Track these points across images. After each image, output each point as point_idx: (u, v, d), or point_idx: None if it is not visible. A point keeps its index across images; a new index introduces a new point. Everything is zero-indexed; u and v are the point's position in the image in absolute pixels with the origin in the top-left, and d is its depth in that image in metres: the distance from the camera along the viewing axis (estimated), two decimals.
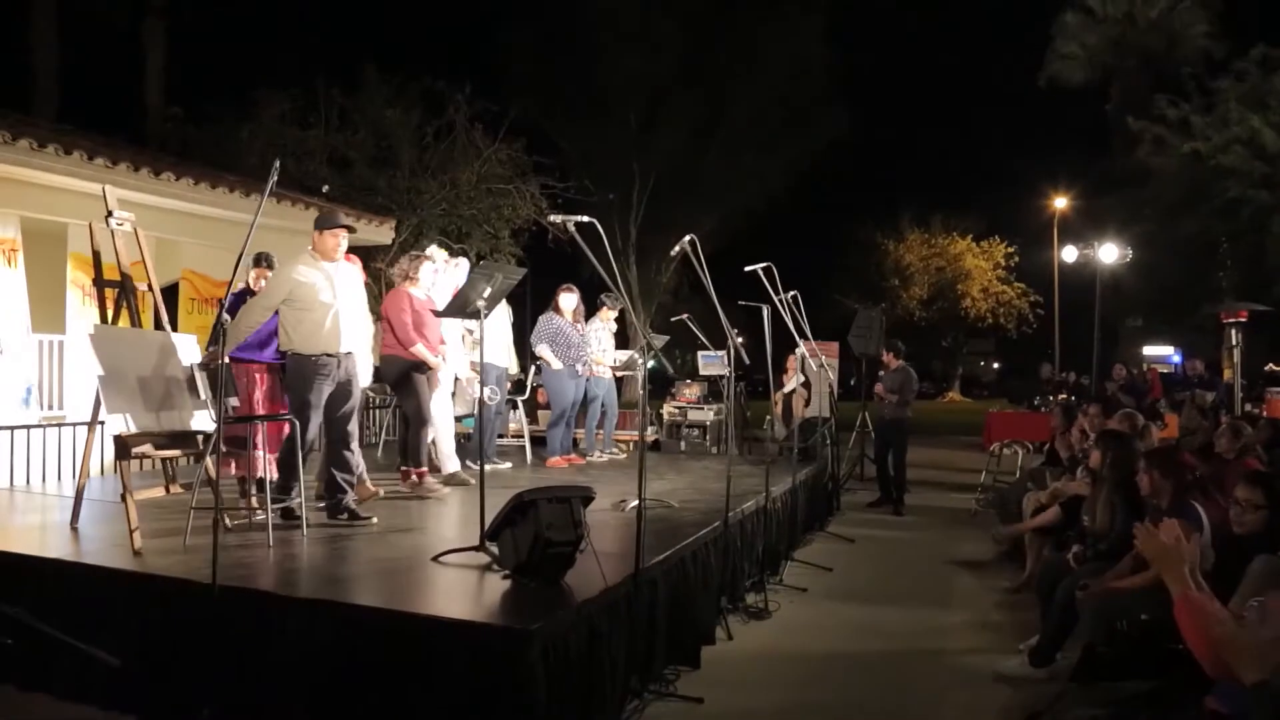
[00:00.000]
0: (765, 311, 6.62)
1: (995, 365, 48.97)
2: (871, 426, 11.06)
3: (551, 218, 4.76)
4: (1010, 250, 38.12)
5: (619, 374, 8.93)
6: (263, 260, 6.41)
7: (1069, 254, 19.08)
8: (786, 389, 11.25)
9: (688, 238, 5.54)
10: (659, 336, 7.99)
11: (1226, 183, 17.42)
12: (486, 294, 4.85)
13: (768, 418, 7.57)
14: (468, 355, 7.81)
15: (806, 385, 10.44)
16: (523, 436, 8.66)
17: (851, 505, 10.25)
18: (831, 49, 28.84)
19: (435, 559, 4.63)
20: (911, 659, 5.25)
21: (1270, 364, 25.87)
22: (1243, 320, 11.33)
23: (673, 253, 6.01)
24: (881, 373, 10.22)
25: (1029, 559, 6.49)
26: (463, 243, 18.27)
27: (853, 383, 13.74)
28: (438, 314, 5.61)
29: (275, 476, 5.59)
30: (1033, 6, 38.13)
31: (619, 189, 28.22)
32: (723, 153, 28.62)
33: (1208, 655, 2.47)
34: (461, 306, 4.97)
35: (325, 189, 11.11)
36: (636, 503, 4.58)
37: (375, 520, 5.56)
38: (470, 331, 7.76)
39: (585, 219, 4.52)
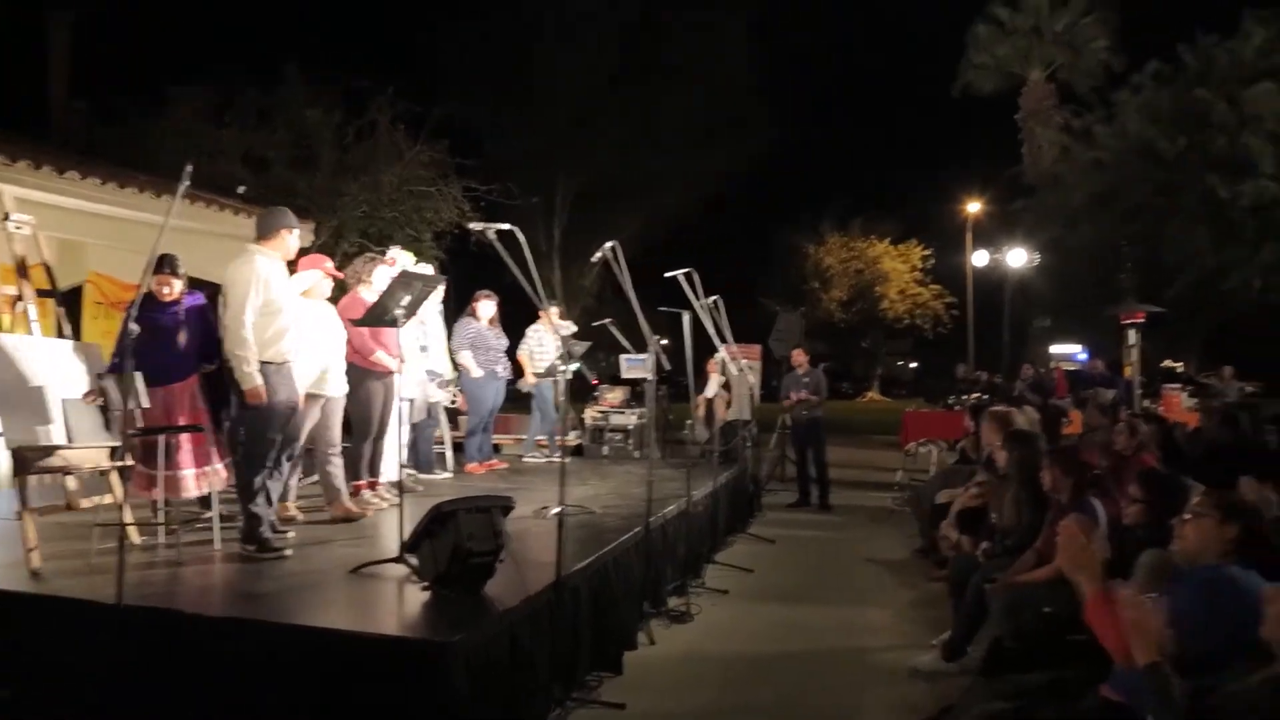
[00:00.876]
0: (685, 318, 6.68)
1: (913, 365, 50.09)
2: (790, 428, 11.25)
3: (471, 225, 4.71)
4: (927, 253, 39.10)
5: (542, 380, 8.91)
6: (165, 265, 5.86)
7: (981, 258, 19.70)
8: (709, 393, 11.35)
9: (609, 244, 5.57)
10: (580, 343, 8.01)
11: (1126, 190, 18.16)
12: (405, 302, 4.80)
13: (688, 421, 7.63)
14: (424, 363, 7.72)
15: (728, 388, 10.56)
16: (443, 443, 8.57)
17: (773, 506, 10.41)
18: (757, 57, 29.21)
19: (353, 572, 4.56)
20: (831, 657, 5.36)
21: (1168, 361, 27.04)
22: (1140, 321, 11.84)
23: (594, 258, 6.04)
24: (801, 374, 10.42)
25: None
26: (383, 246, 17.97)
27: (775, 384, 13.93)
28: (355, 322, 5.51)
29: (207, 490, 5.36)
30: (948, 17, 39.17)
31: (544, 192, 28.11)
32: (649, 157, 28.69)
33: (1121, 646, 2.55)
34: (379, 315, 4.90)
35: (241, 190, 10.85)
36: (558, 510, 4.58)
37: (289, 552, 5.00)
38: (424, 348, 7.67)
39: (505, 226, 4.51)
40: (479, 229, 4.44)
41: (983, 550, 5.07)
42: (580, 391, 16.35)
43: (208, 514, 5.29)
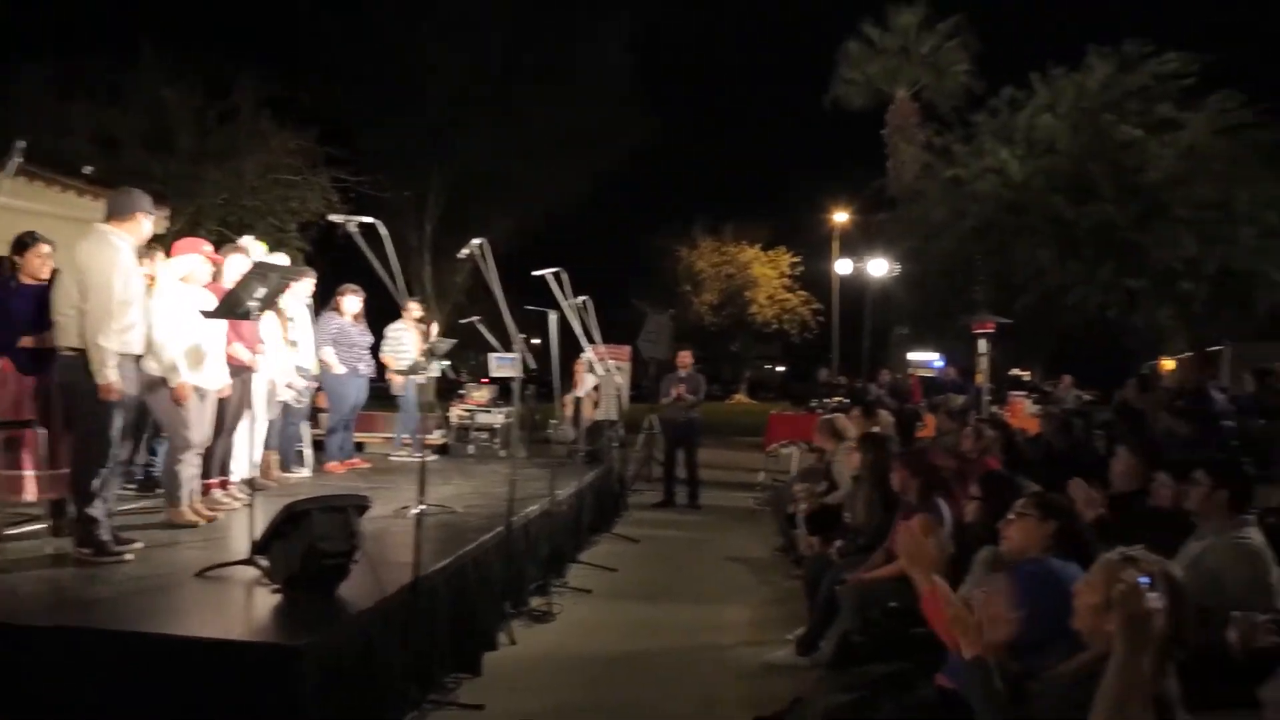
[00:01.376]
0: (552, 317, 6.67)
1: (780, 369, 51.37)
2: (660, 428, 11.40)
3: (332, 217, 4.58)
4: (795, 260, 40.18)
5: (406, 378, 8.73)
6: (29, 241, 5.17)
7: (845, 266, 20.44)
8: (578, 392, 11.37)
9: (476, 241, 5.52)
10: (445, 340, 7.89)
11: (980, 206, 19.10)
12: (260, 294, 4.62)
13: (552, 421, 7.63)
14: (292, 358, 7.42)
15: (598, 388, 10.60)
16: (301, 441, 8.30)
17: (639, 506, 10.51)
18: (635, 60, 29.43)
19: (200, 575, 4.36)
20: (690, 654, 5.45)
21: (1015, 370, 28.61)
22: (990, 331, 12.48)
23: (461, 254, 5.97)
24: (681, 374, 10.57)
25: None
26: (244, 235, 17.28)
27: (645, 385, 14.07)
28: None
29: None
30: (822, 33, 40.54)
31: (417, 186, 27.56)
32: (524, 155, 28.49)
33: (953, 637, 2.70)
34: (232, 307, 4.71)
35: (87, 170, 10.19)
36: (419, 509, 4.51)
37: (130, 556, 4.70)
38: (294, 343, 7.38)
39: (368, 219, 4.40)
40: (340, 221, 4.32)
41: (836, 549, 5.25)
42: (447, 390, 16.12)
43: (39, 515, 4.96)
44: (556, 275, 6.84)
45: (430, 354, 5.57)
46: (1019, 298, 18.57)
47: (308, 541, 3.76)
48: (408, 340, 8.62)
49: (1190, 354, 20.62)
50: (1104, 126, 18.55)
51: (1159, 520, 4.27)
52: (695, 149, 47.25)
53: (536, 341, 7.18)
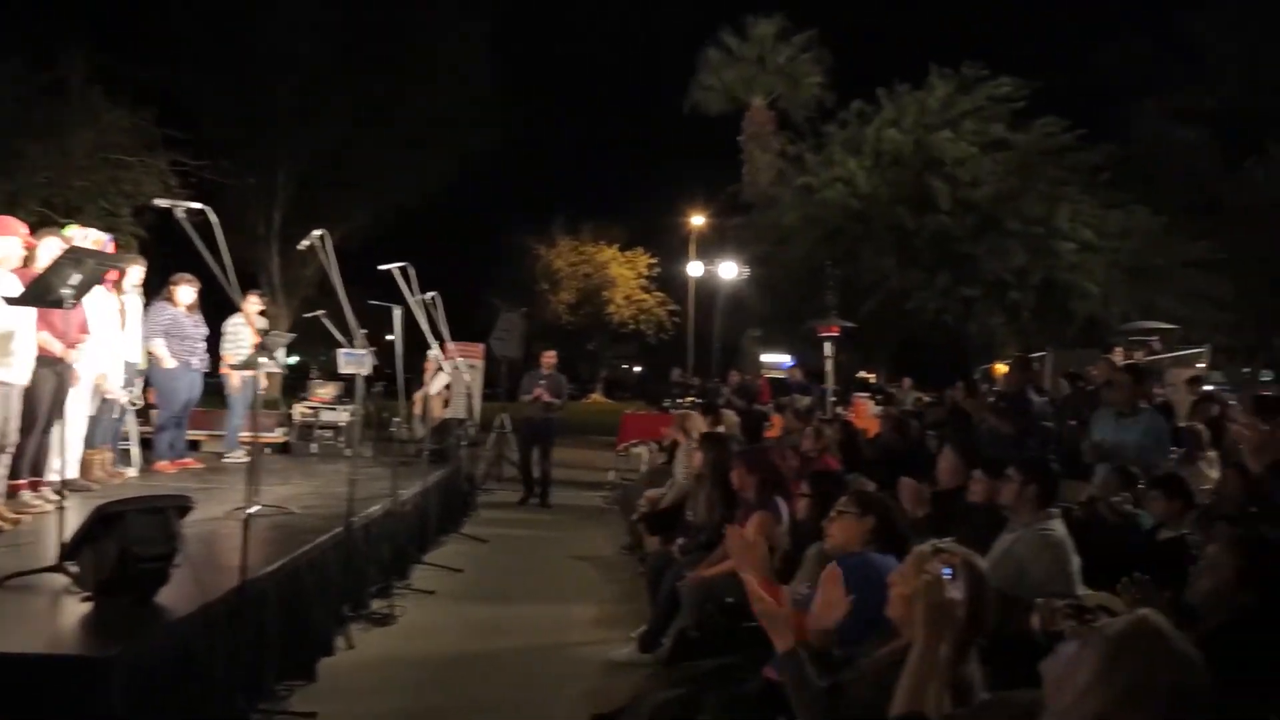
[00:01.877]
0: (396, 312, 6.51)
1: (637, 369, 51.83)
2: (511, 427, 11.34)
3: (157, 201, 4.32)
4: (652, 261, 40.58)
5: (243, 373, 8.35)
6: None
7: (696, 269, 20.86)
8: (430, 390, 11.15)
9: (317, 232, 5.34)
10: (282, 334, 7.58)
11: (829, 214, 19.84)
12: (74, 281, 4.31)
13: (396, 419, 7.47)
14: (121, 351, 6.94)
15: (449, 386, 10.43)
16: (128, 440, 7.83)
17: (490, 505, 10.41)
18: (496, 55, 29.06)
19: (1, 584, 4.04)
20: (533, 653, 5.43)
21: (862, 372, 29.79)
22: (835, 335, 12.95)
23: (301, 245, 5.77)
24: (543, 373, 10.53)
25: None
26: (71, 218, 16.15)
27: (501, 385, 13.93)
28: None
29: None
30: (683, 38, 41.12)
31: (264, 173, 26.40)
32: (380, 146, 27.72)
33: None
34: (41, 294, 4.38)
35: None
36: (252, 509, 4.32)
37: None
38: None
39: (196, 205, 4.17)
40: (166, 205, 4.08)
41: (678, 546, 5.33)
42: (291, 386, 15.54)
43: None
44: (403, 270, 6.68)
45: (264, 349, 5.32)
46: (864, 303, 19.37)
47: (121, 545, 3.53)
48: (246, 335, 8.23)
49: (1012, 359, 21.98)
50: (942, 143, 19.59)
51: (977, 515, 4.53)
52: (555, 147, 47.05)
53: (391, 338, 7.00)
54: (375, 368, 6.12)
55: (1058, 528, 3.96)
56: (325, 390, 10.39)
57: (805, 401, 12.85)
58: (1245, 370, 25.15)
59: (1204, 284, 19.24)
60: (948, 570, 2.18)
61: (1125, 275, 18.78)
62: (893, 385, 20.62)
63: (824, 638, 2.57)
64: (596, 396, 42.19)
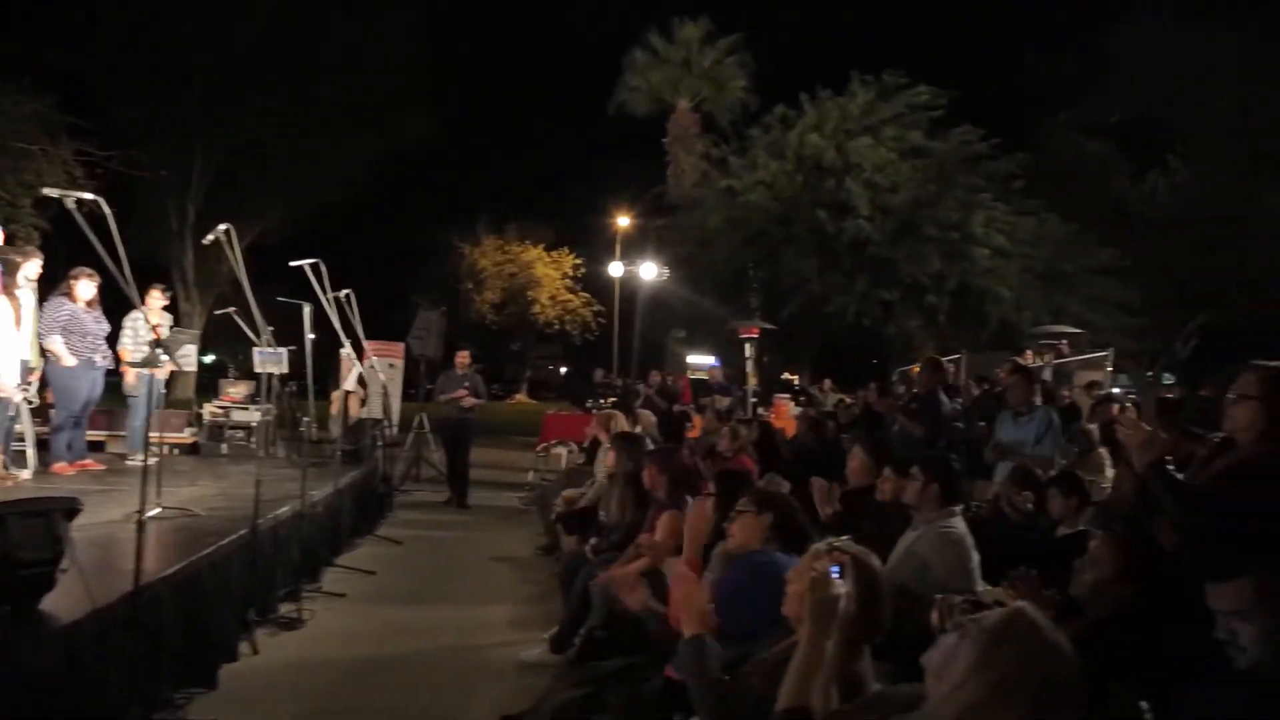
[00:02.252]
0: (306, 310, 6.38)
1: (563, 370, 51.67)
2: (430, 427, 11.22)
3: (47, 191, 4.14)
4: (578, 262, 40.44)
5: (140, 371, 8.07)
6: None
7: (619, 269, 20.88)
8: (347, 388, 10.94)
9: (222, 227, 5.21)
10: (185, 331, 7.35)
11: (752, 217, 20.05)
12: None
13: (306, 419, 7.30)
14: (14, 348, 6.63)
15: (364, 384, 10.25)
16: (24, 441, 7.50)
17: (409, 506, 10.26)
18: (422, 51, 28.62)
19: None
20: (444, 655, 5.37)
21: (786, 374, 30.16)
22: (754, 335, 13.09)
23: (206, 240, 5.62)
24: (459, 374, 10.42)
25: None
26: None
27: (421, 385, 13.75)
28: None
29: None
30: (610, 37, 41.12)
31: (179, 165, 25.57)
32: (301, 140, 27.08)
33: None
34: None
35: None
36: (153, 512, 4.18)
37: None
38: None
39: (89, 196, 4.02)
40: (55, 195, 3.92)
41: (590, 547, 5.32)
42: (206, 386, 15.11)
43: None
44: (314, 267, 6.55)
45: (162, 346, 5.14)
46: (786, 305, 19.63)
47: (2, 550, 3.38)
48: (145, 332, 7.95)
49: (923, 360, 22.49)
50: (863, 149, 19.97)
51: (884, 513, 4.61)
52: (481, 145, 46.57)
53: (313, 336, 6.86)
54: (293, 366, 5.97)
55: (959, 525, 4.05)
56: (237, 389, 10.12)
57: (726, 402, 12.97)
58: (1149, 374, 26.19)
59: (1111, 290, 19.95)
60: (835, 568, 2.21)
61: (1037, 280, 19.38)
62: (814, 386, 20.94)
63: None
64: (521, 397, 41.90)
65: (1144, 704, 2.27)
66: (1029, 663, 1.76)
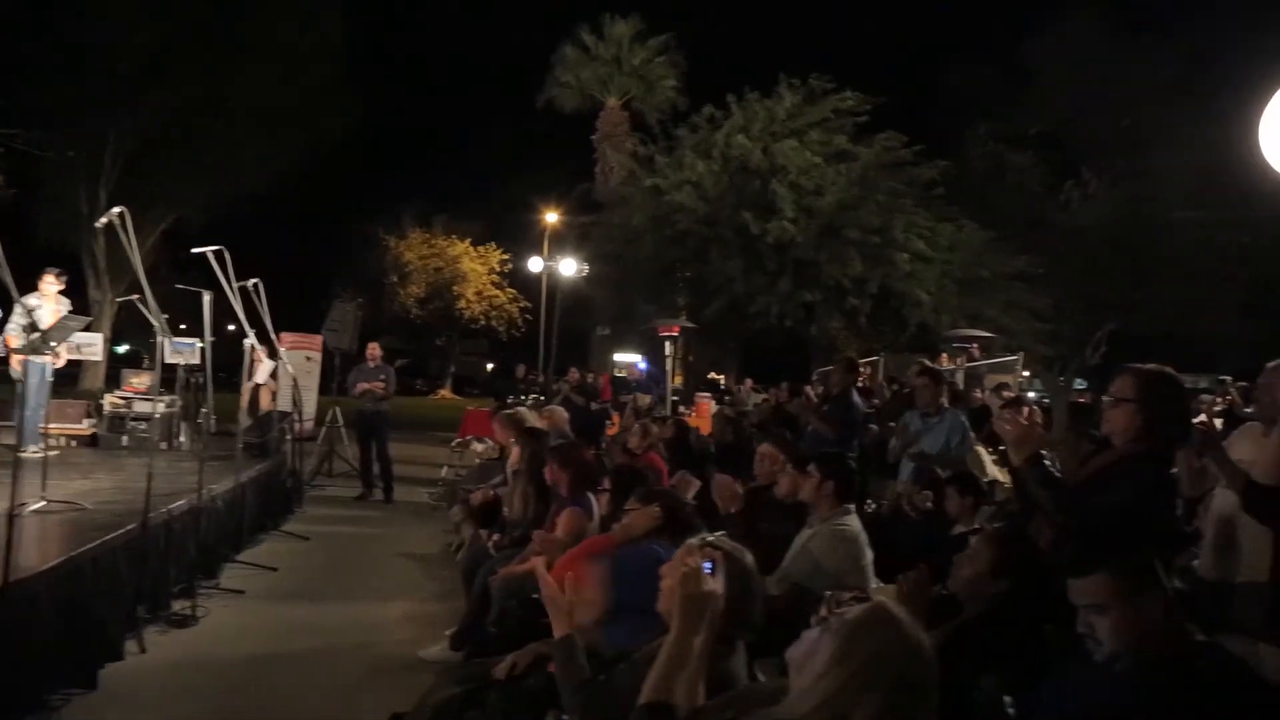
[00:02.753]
0: (206, 298, 6.19)
1: (489, 365, 51.26)
2: (343, 421, 11.02)
3: None
4: (505, 257, 40.13)
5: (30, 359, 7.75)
6: None
7: (541, 265, 20.79)
8: (258, 380, 10.66)
9: (116, 210, 5.03)
10: (76, 318, 7.07)
11: (678, 216, 20.07)
12: None
13: (203, 410, 7.09)
14: None
15: (276, 376, 9.99)
16: None
17: (320, 501, 10.06)
18: (348, 40, 28.11)
19: None
20: (341, 653, 5.25)
21: (713, 373, 30.34)
22: (675, 334, 13.12)
23: (99, 223, 5.42)
24: (371, 366, 10.26)
25: None
26: None
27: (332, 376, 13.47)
28: None
29: None
30: (541, 33, 40.97)
31: (89, 148, 24.64)
32: (221, 126, 26.31)
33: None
34: None
35: None
36: (37, 505, 4.01)
37: None
38: None
39: None
40: None
41: (493, 542, 5.26)
42: (116, 376, 14.60)
43: None
44: (218, 254, 6.35)
45: (49, 334, 4.93)
46: (710, 304, 19.72)
47: None
48: (38, 317, 7.64)
49: (837, 361, 22.84)
50: (788, 151, 20.17)
51: (784, 510, 4.65)
52: (408, 138, 46.02)
53: (232, 327, 6.65)
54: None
55: (852, 523, 4.10)
56: (140, 380, 9.79)
57: (646, 400, 12.98)
58: (1060, 379, 27.03)
59: (1025, 297, 20.48)
60: (708, 564, 2.20)
61: (955, 285, 19.78)
62: (738, 386, 21.12)
63: (587, 633, 2.56)
64: (445, 393, 41.45)
65: (1008, 699, 2.32)
66: (886, 657, 1.78)
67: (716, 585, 2.17)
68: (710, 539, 2.40)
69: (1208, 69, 24.27)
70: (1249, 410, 5.90)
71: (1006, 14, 37.55)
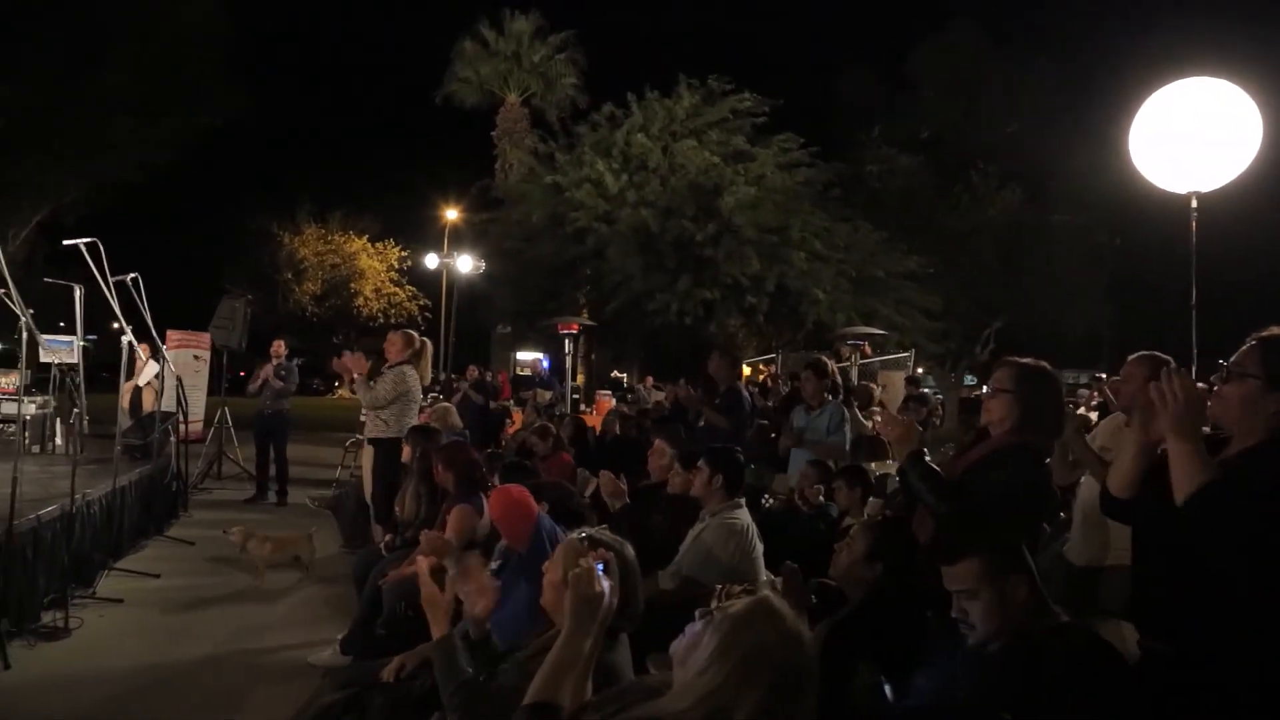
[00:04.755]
0: (77, 292, 5.90)
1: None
2: (231, 421, 10.68)
3: None
4: (404, 254, 39.43)
5: None
6: None
7: (432, 261, 20.51)
8: (140, 380, 10.23)
9: None
10: None
11: (577, 214, 20.05)
12: None
13: (75, 411, 6.77)
14: None
15: (160, 376, 9.61)
16: None
17: (208, 504, 9.70)
18: (237, 30, 27.08)
19: None
20: (226, 661, 5.08)
21: (615, 371, 30.41)
22: (575, 332, 13.11)
23: None
24: (274, 364, 9.98)
25: None
26: None
27: (236, 376, 13.02)
28: None
29: None
30: (439, 25, 40.34)
31: None
32: (92, 112, 25.02)
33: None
34: None
35: None
36: None
37: None
38: None
39: None
40: None
41: (384, 543, 5.16)
42: None
43: None
44: (91, 247, 6.06)
45: None
46: (610, 302, 19.75)
47: None
48: None
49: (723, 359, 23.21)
50: (687, 150, 20.36)
51: (675, 504, 4.68)
52: (303, 131, 44.74)
53: (116, 325, 6.32)
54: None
55: (742, 516, 4.16)
56: (9, 379, 9.28)
57: (547, 396, 12.95)
58: (951, 375, 28.00)
59: (917, 295, 21.14)
60: (600, 565, 2.21)
61: (850, 284, 20.26)
62: (640, 384, 21.23)
63: (477, 628, 2.54)
64: (343, 392, 40.44)
65: (885, 683, 2.39)
66: (767, 649, 1.81)
67: (608, 586, 2.17)
68: (589, 533, 2.41)
69: (1085, 80, 25.58)
70: None
71: (896, 22, 38.75)
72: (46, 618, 5.37)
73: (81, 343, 6.64)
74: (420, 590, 2.71)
